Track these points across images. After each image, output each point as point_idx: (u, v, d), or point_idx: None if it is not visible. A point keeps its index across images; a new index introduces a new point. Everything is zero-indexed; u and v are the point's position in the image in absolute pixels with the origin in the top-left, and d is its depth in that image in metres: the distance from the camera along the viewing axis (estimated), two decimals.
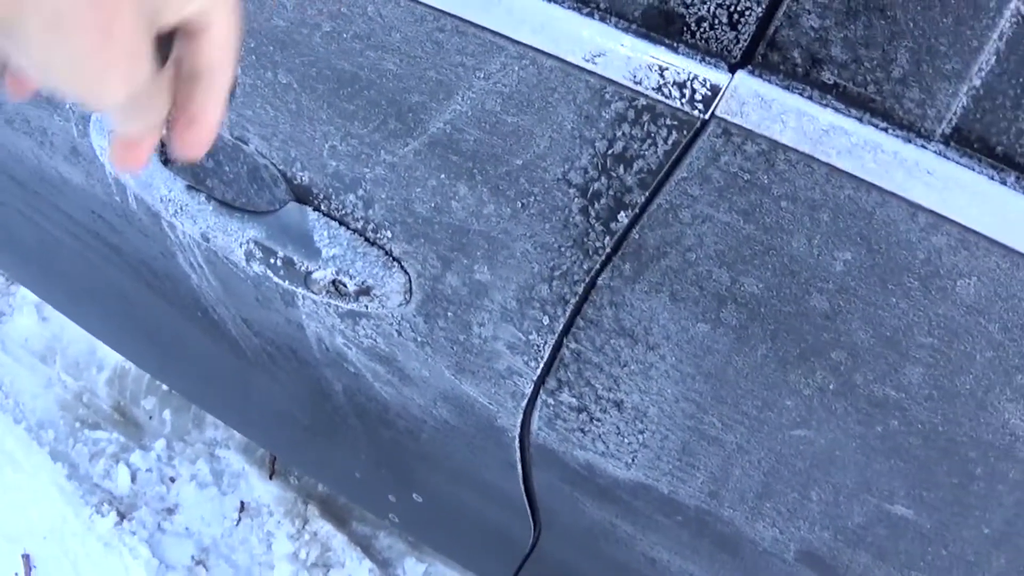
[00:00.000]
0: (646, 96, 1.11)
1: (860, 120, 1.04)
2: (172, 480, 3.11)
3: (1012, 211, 1.00)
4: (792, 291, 1.12)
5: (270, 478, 3.12)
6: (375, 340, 1.50)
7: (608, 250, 1.21)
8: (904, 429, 1.13)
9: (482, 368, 1.40)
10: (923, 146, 1.02)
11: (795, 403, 1.18)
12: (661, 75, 1.10)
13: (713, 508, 1.33)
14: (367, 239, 1.35)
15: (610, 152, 1.15)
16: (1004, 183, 1.00)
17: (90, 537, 2.90)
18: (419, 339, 1.44)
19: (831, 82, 1.04)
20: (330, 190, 1.36)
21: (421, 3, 1.21)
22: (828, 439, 1.18)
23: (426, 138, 1.25)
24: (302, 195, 1.38)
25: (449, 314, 1.37)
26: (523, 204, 1.23)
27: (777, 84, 1.07)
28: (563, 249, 1.23)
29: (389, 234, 1.34)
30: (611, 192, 1.17)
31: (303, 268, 1.37)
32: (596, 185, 1.17)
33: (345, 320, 1.50)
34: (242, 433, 2.81)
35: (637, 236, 1.17)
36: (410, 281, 1.36)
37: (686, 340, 1.20)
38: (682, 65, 1.09)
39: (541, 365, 1.34)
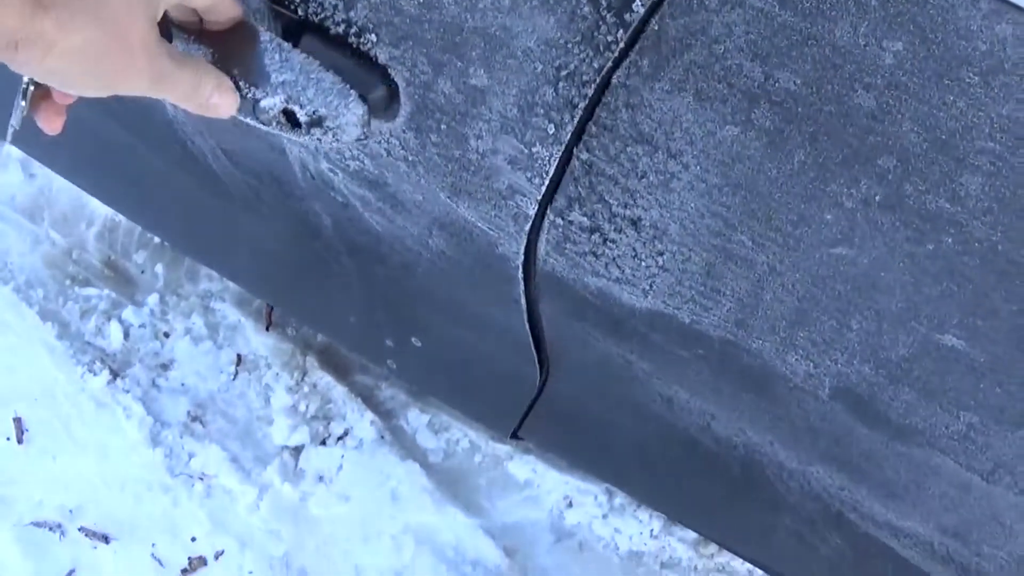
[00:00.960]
0: None
1: None
2: (166, 335, 3.12)
3: None
4: (834, 88, 1.04)
5: (267, 329, 3.13)
6: (362, 162, 1.44)
7: (622, 44, 1.12)
8: (959, 248, 1.07)
9: (480, 188, 1.34)
10: None
11: (835, 217, 1.11)
12: None
13: (740, 339, 1.28)
14: (351, 48, 1.29)
15: None
16: None
17: (82, 397, 2.92)
18: (410, 158, 1.37)
19: None
20: None
21: None
22: (872, 258, 1.12)
23: None
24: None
25: (442, 127, 1.30)
26: None
27: None
28: (570, 45, 1.15)
29: (374, 37, 1.27)
30: None
31: (250, 95, 1.29)
32: None
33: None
34: (233, 281, 2.84)
35: (656, 26, 1.08)
36: (398, 91, 1.30)
37: (712, 146, 1.13)
38: None
39: (547, 181, 1.27)
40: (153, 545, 2.75)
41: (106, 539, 2.74)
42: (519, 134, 1.24)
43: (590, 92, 1.16)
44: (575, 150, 1.21)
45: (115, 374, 2.95)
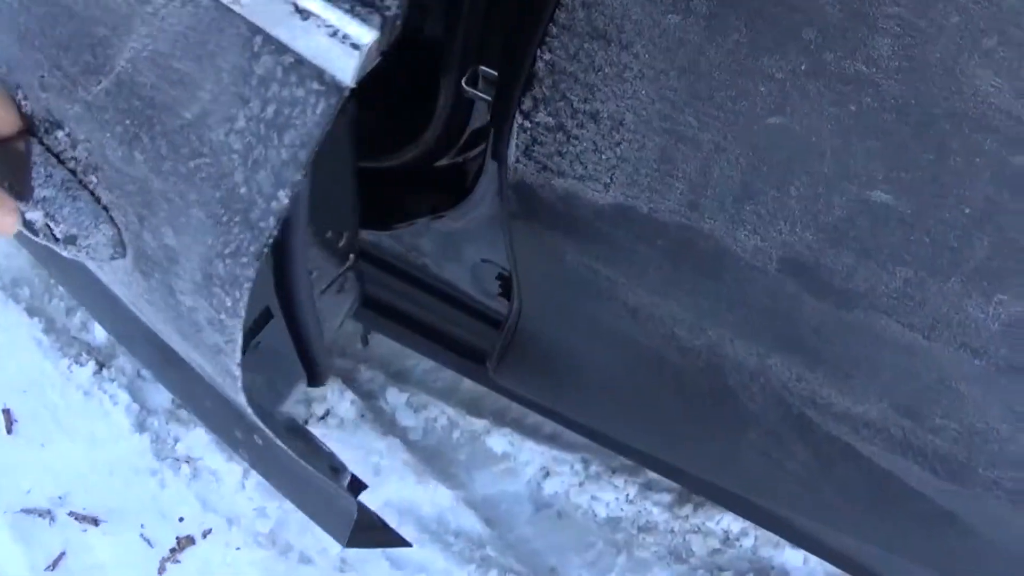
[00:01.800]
0: (293, 51, 1.10)
1: None
2: None
3: None
4: None
5: None
6: (120, 288, 1.52)
7: (270, 229, 1.20)
8: (877, 105, 1.18)
9: (198, 340, 1.40)
10: None
11: (769, 89, 1.23)
12: (309, 26, 1.09)
13: (694, 221, 1.38)
14: (80, 182, 1.32)
15: (263, 115, 1.14)
16: None
17: (70, 387, 2.96)
18: (145, 296, 1.43)
19: None
20: (46, 124, 1.32)
21: None
22: (803, 125, 1.24)
23: (114, 77, 1.22)
24: (32, 127, 1.34)
25: (156, 275, 1.35)
26: (195, 166, 1.22)
27: None
28: (232, 226, 1.23)
29: (94, 179, 1.31)
30: (270, 165, 1.16)
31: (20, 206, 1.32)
32: (255, 153, 1.17)
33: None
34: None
35: None
36: (120, 234, 1.34)
37: (658, 34, 1.25)
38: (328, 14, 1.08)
39: (238, 351, 1.34)
40: (142, 526, 2.80)
41: (95, 522, 2.79)
42: (208, 299, 1.30)
43: (251, 275, 1.22)
44: (539, 52, 1.32)
45: (101, 365, 2.99)
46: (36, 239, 1.30)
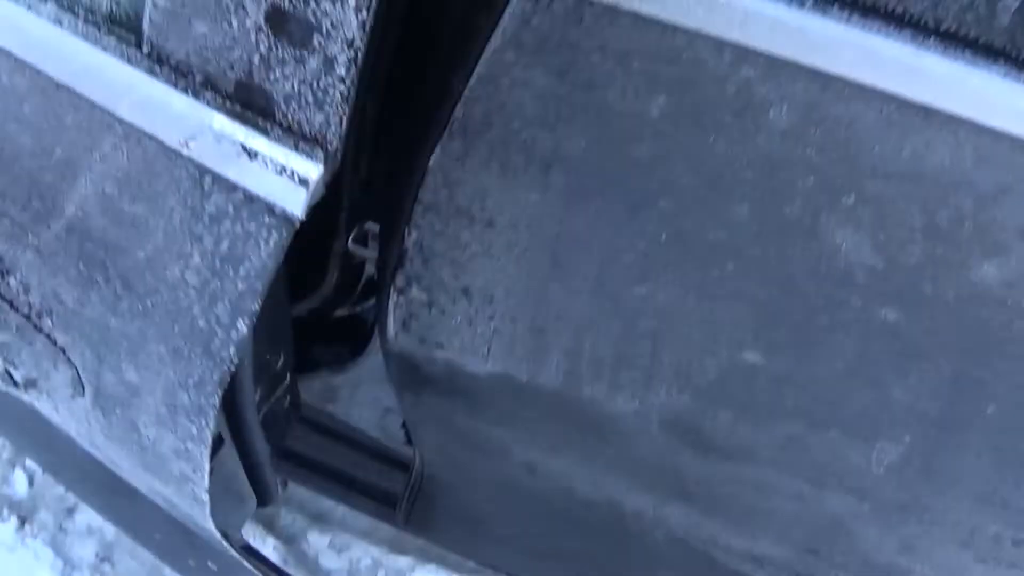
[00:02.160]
0: (242, 188, 1.11)
1: None
2: None
3: (813, 33, 1.05)
4: (613, 144, 1.16)
5: None
6: (77, 425, 1.50)
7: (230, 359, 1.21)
8: (739, 270, 1.18)
9: (161, 470, 1.39)
10: None
11: (631, 259, 1.22)
12: (255, 162, 1.10)
13: (572, 388, 1.37)
14: (34, 326, 1.32)
15: (217, 251, 1.16)
16: (802, 5, 1.04)
17: None
18: (106, 434, 1.42)
19: None
20: None
21: (42, 72, 1.17)
22: (669, 292, 1.23)
23: (64, 222, 1.23)
24: None
25: (118, 411, 1.35)
26: (152, 302, 1.22)
27: None
28: (193, 356, 1.24)
29: (50, 322, 1.31)
30: (226, 297, 1.17)
31: None
32: (211, 287, 1.18)
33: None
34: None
35: (461, 113, 1.20)
36: (78, 374, 1.33)
37: (519, 211, 1.24)
38: (273, 151, 1.10)
39: (205, 476, 1.33)
40: None
41: None
42: (173, 430, 1.29)
43: (215, 400, 1.23)
44: (407, 230, 1.30)
45: (23, 520, 2.93)
46: None
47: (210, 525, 1.44)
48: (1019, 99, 1.02)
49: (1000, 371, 1.14)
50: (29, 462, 3.07)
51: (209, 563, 1.89)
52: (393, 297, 1.38)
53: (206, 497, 1.37)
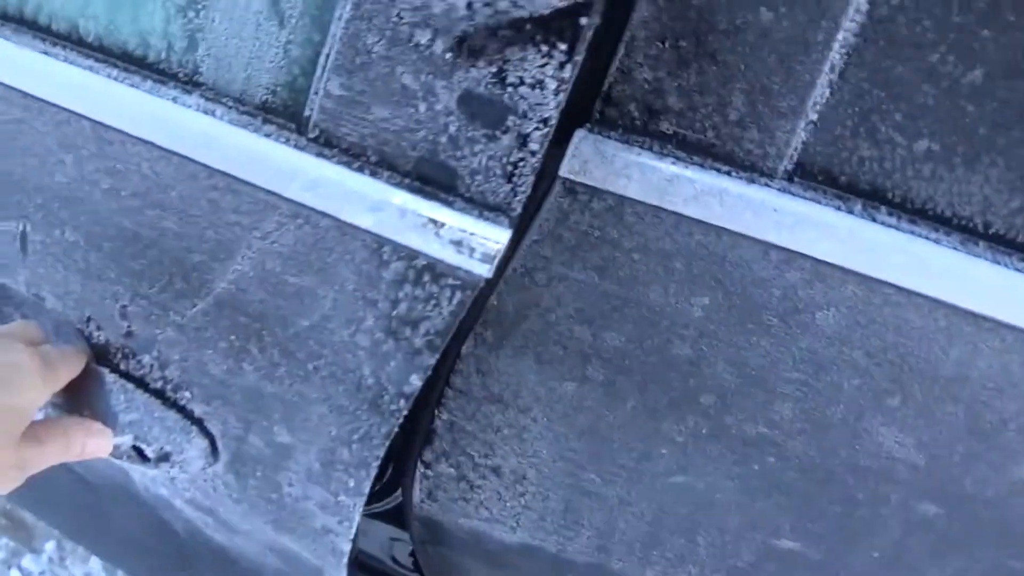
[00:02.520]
0: (425, 256, 1.12)
1: (703, 166, 1.05)
2: None
3: (861, 239, 1.03)
4: (654, 341, 1.13)
5: None
6: (195, 494, 1.48)
7: (401, 410, 1.21)
8: (781, 464, 1.15)
9: (299, 526, 1.38)
10: (767, 185, 1.04)
11: (670, 451, 1.19)
12: (438, 233, 1.10)
13: (603, 562, 1.34)
14: (166, 401, 1.32)
15: (394, 314, 1.15)
16: (851, 212, 1.03)
17: None
18: (234, 496, 1.41)
19: (670, 132, 1.06)
20: (126, 351, 1.32)
21: (193, 160, 1.18)
22: (707, 482, 1.20)
23: (212, 299, 1.23)
24: (100, 354, 1.34)
25: (258, 474, 1.35)
26: (314, 368, 1.22)
27: (617, 139, 1.07)
28: (359, 412, 1.23)
29: (188, 395, 1.31)
30: (400, 355, 1.17)
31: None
32: (385, 348, 1.18)
33: (164, 476, 1.47)
34: (107, 561, 2.79)
35: (496, 302, 1.17)
36: (215, 441, 1.33)
37: (555, 400, 1.21)
38: (459, 222, 1.10)
39: (354, 525, 1.33)
40: None
41: None
42: (325, 485, 1.29)
43: (379, 454, 1.23)
44: (437, 411, 1.27)
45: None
46: (119, 462, 1.33)
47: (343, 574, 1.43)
48: None
49: None
50: (25, 563, 3.13)
51: None
52: (420, 468, 1.35)
53: (347, 547, 1.36)
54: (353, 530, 1.32)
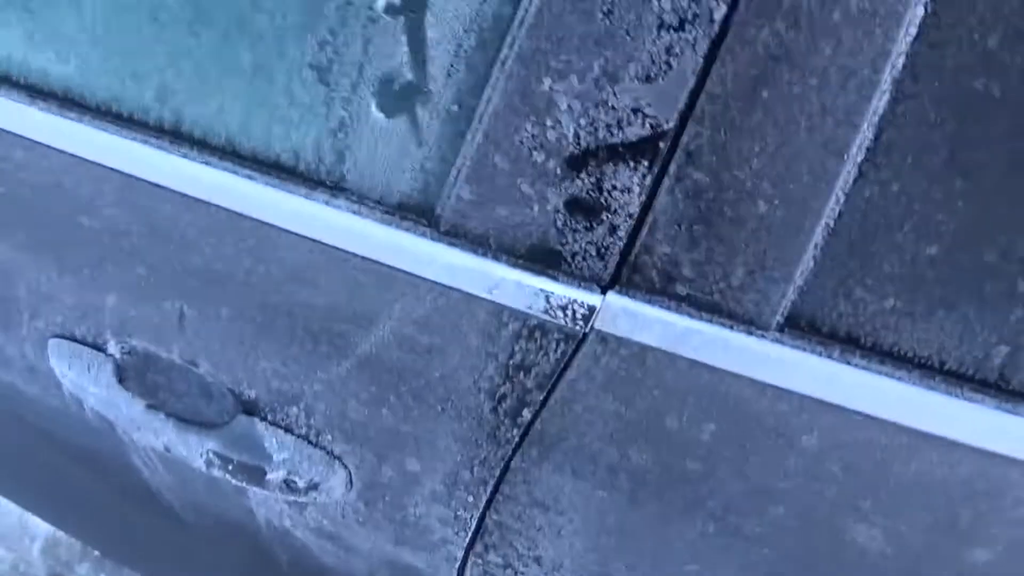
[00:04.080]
0: (537, 317, 1.28)
1: (711, 321, 1.22)
2: None
3: (840, 378, 1.19)
4: (670, 459, 1.28)
5: None
6: (322, 522, 1.61)
7: (517, 440, 1.36)
8: (775, 555, 1.29)
9: (419, 540, 1.52)
10: (762, 336, 1.21)
11: (684, 545, 1.33)
12: (547, 300, 1.27)
13: None
14: (310, 442, 1.48)
15: (511, 362, 1.31)
16: (830, 357, 1.19)
17: None
18: (360, 519, 1.55)
19: (684, 294, 1.22)
20: (275, 404, 1.49)
21: (341, 249, 1.36)
22: (716, 571, 1.34)
23: (355, 359, 1.39)
24: (250, 408, 1.51)
25: (387, 498, 1.50)
26: (442, 408, 1.38)
27: (641, 299, 1.25)
28: (479, 441, 1.38)
29: (330, 437, 1.47)
30: (515, 394, 1.33)
31: (258, 472, 1.50)
32: (502, 389, 1.33)
33: (293, 507, 1.61)
34: None
35: (540, 426, 1.33)
36: (351, 474, 1.48)
37: (588, 505, 1.36)
38: (563, 291, 1.27)
39: (470, 534, 1.47)
40: None
41: None
42: (446, 503, 1.45)
43: (497, 474, 1.39)
44: (488, 512, 1.42)
45: None
46: (268, 492, 1.50)
47: None
48: (1010, 425, 1.16)
49: None
50: None
51: None
52: (472, 558, 1.49)
53: (460, 554, 1.50)
54: (468, 538, 1.48)
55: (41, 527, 3.29)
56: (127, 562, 2.76)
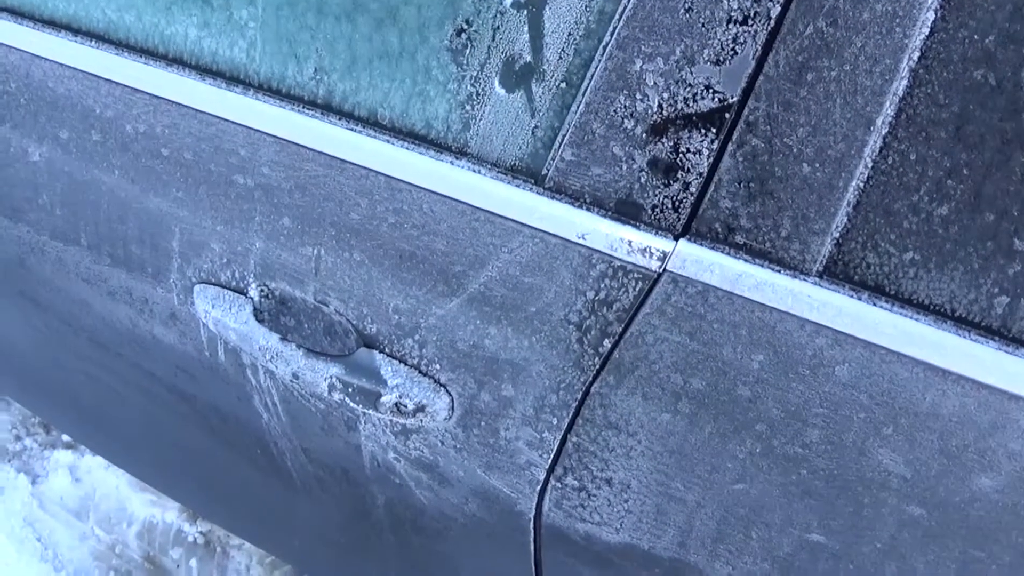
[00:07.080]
0: (620, 260, 1.52)
1: (762, 265, 1.43)
2: None
3: (868, 317, 1.38)
4: (725, 385, 1.48)
5: None
6: (422, 451, 1.82)
7: (597, 367, 1.57)
8: (811, 476, 1.46)
9: (507, 464, 1.72)
10: (804, 279, 1.41)
11: (734, 465, 1.52)
12: (629, 245, 1.51)
13: (682, 556, 1.64)
14: (420, 371, 1.71)
15: (596, 298, 1.55)
16: (860, 299, 1.39)
17: None
18: (458, 446, 1.76)
19: (742, 242, 1.44)
20: (393, 337, 1.73)
21: (462, 202, 1.62)
22: (759, 489, 1.51)
23: (466, 296, 1.63)
24: (370, 342, 1.76)
25: (482, 424, 1.71)
26: (536, 338, 1.62)
27: (707, 246, 1.46)
28: (566, 368, 1.60)
29: (438, 366, 1.70)
30: (598, 326, 1.56)
31: (373, 395, 1.74)
32: (587, 322, 1.57)
33: (399, 437, 1.82)
34: (282, 559, 2.91)
35: (617, 355, 1.54)
36: (453, 400, 1.72)
37: (654, 427, 1.55)
38: (642, 238, 1.50)
39: (551, 457, 1.66)
40: None
41: None
42: (534, 425, 1.65)
43: (579, 397, 1.59)
44: (569, 435, 1.62)
45: None
46: (380, 414, 1.72)
47: (532, 504, 1.76)
48: (1009, 364, 1.35)
49: (993, 552, 1.42)
50: None
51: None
52: (552, 482, 1.69)
53: (543, 477, 1.69)
54: (550, 462, 1.67)
55: (139, 512, 3.40)
56: (232, 526, 2.86)
